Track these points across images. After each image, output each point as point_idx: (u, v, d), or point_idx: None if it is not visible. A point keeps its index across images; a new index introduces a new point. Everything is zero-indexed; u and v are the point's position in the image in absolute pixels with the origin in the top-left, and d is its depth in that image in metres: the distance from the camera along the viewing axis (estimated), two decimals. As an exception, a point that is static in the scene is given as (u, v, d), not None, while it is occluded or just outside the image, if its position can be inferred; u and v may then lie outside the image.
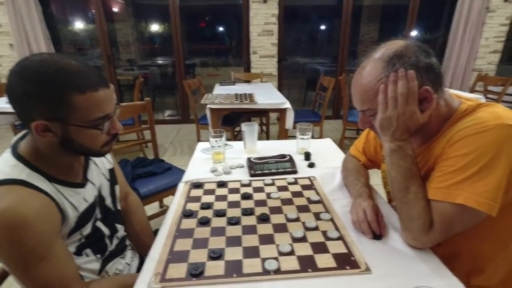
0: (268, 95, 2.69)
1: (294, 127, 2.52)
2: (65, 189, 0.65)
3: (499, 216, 0.58)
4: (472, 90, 3.48)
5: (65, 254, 0.63)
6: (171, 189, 1.59)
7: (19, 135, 0.68)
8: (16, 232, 0.54)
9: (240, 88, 3.07)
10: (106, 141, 0.67)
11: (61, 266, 0.61)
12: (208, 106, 2.33)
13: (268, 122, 3.46)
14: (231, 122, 2.80)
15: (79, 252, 0.70)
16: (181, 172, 1.69)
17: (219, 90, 3.01)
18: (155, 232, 0.98)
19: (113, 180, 0.84)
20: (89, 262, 0.72)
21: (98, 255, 0.75)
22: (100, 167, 0.80)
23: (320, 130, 2.95)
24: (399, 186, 0.66)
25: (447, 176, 0.61)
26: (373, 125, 0.71)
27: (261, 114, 3.33)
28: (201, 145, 1.35)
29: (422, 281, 0.58)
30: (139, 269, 0.86)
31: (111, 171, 0.85)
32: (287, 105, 2.38)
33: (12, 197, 0.55)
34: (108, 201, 0.81)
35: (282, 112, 2.43)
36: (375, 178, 1.00)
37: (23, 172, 0.59)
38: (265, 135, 3.50)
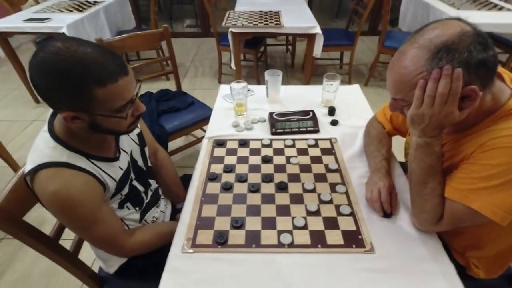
0: (296, 15, 2.40)
1: (324, 50, 2.31)
2: (101, 163, 0.72)
3: None
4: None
5: (111, 215, 0.75)
6: (195, 125, 1.66)
7: (51, 111, 0.71)
8: (69, 208, 0.64)
9: (265, 2, 2.72)
10: (132, 122, 0.69)
11: (109, 224, 0.74)
12: (230, 29, 2.14)
13: (295, 41, 3.19)
14: (254, 44, 2.61)
15: (121, 206, 0.82)
16: (204, 107, 1.72)
17: (242, 5, 2.69)
18: (183, 178, 1.09)
19: (142, 143, 0.90)
20: (131, 213, 0.85)
21: (137, 208, 0.87)
22: (129, 134, 0.85)
23: (351, 57, 2.69)
24: (418, 179, 0.67)
25: (469, 180, 0.60)
26: (404, 112, 0.67)
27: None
28: (222, 90, 1.33)
29: (418, 264, 0.66)
30: (172, 215, 1.01)
31: (140, 135, 0.89)
32: (317, 29, 2.14)
33: (59, 179, 0.62)
34: (140, 162, 0.89)
35: (310, 37, 2.20)
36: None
37: (63, 154, 0.65)
38: (290, 55, 3.28)
